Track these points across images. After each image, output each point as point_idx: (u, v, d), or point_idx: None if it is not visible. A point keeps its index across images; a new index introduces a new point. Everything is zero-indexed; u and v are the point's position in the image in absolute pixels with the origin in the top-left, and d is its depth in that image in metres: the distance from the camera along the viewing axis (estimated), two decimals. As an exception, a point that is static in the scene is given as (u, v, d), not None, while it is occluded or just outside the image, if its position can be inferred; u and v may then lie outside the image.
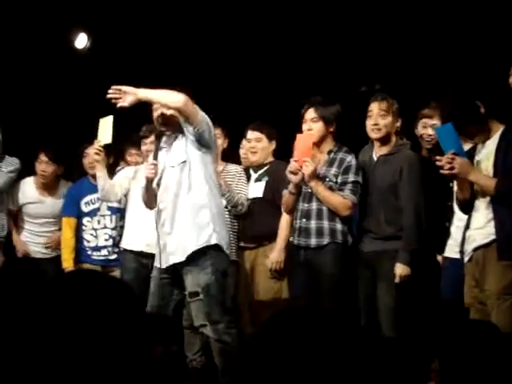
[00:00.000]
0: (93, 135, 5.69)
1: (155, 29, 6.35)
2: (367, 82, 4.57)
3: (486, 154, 3.76)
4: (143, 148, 5.22)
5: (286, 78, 6.19)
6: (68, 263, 5.27)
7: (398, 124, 4.50)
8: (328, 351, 1.34)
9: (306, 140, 4.39)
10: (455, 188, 3.99)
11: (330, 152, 4.54)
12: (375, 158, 4.51)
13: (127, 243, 5.18)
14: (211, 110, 5.77)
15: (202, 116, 4.16)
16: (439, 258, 4.49)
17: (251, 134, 5.07)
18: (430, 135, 4.64)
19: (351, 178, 4.43)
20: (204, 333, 4.26)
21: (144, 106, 5.07)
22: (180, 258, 4.17)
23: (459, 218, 4.21)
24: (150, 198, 4.33)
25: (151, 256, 4.74)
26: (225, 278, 4.25)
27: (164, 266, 4.24)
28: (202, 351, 4.94)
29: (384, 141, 4.48)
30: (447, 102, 3.84)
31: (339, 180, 4.44)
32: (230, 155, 5.29)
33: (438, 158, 3.72)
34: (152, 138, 5.09)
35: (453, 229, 4.32)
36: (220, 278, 4.19)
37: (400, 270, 4.26)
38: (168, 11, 6.22)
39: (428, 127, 4.67)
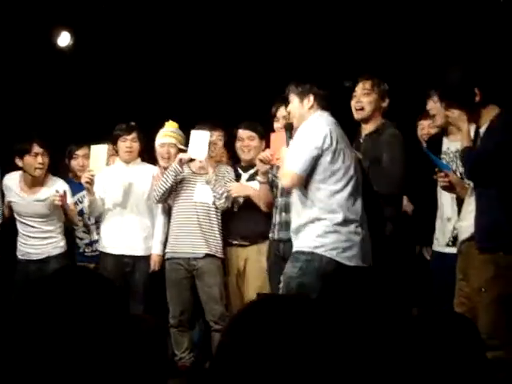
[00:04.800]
0: (76, 133, 5.71)
1: (138, 26, 6.32)
2: (351, 77, 4.53)
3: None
4: (125, 143, 5.18)
5: (268, 75, 6.16)
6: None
7: (385, 104, 4.41)
8: (299, 343, 1.34)
9: (280, 137, 4.30)
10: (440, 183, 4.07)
11: None
12: (361, 141, 4.44)
13: (107, 246, 5.14)
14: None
15: None
16: (424, 250, 4.49)
17: (243, 133, 5.05)
18: (428, 134, 4.68)
19: None
20: None
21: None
22: None
23: (443, 211, 4.23)
24: None
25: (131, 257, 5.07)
26: None
27: None
28: (190, 349, 4.97)
29: (368, 120, 4.39)
30: (451, 80, 3.81)
31: None
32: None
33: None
34: (134, 134, 5.10)
35: (437, 223, 4.32)
36: None
37: None
38: (150, 9, 6.19)
39: (425, 128, 4.74)
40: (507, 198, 3.63)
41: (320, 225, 3.90)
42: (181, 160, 4.93)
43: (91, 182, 4.89)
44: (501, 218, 3.63)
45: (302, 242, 3.96)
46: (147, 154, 5.33)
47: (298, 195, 4.02)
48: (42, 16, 6.03)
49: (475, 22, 5.33)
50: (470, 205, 3.82)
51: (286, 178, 4.03)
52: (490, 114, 3.72)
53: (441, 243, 4.32)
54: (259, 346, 1.34)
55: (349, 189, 3.94)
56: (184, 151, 5.09)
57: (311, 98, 4.08)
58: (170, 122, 5.29)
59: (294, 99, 4.13)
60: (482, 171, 3.67)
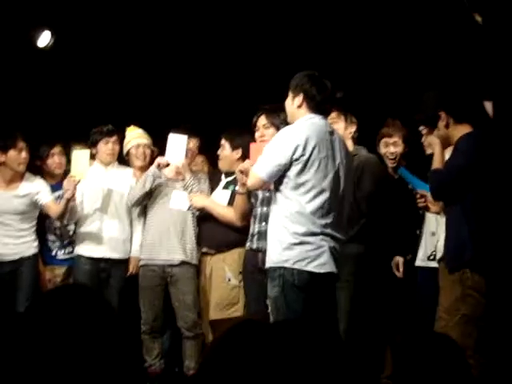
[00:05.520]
0: (54, 133, 5.66)
1: (117, 28, 6.30)
2: (342, 88, 4.63)
3: None
4: (108, 146, 5.17)
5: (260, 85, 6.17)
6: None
7: (352, 130, 4.76)
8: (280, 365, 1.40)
9: (260, 148, 4.24)
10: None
11: None
12: None
13: (85, 250, 5.10)
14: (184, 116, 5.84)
15: None
16: (400, 260, 4.58)
17: (221, 141, 5.07)
18: (392, 153, 4.85)
19: None
20: None
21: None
22: None
23: (428, 225, 4.32)
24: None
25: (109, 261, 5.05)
26: None
27: None
28: (161, 356, 4.96)
29: None
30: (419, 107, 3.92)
31: None
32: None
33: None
34: (116, 137, 5.11)
35: (423, 237, 4.42)
36: None
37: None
38: (130, 10, 6.18)
39: (390, 145, 4.89)
40: (471, 216, 3.72)
41: (285, 236, 3.82)
42: (159, 164, 4.93)
43: (75, 190, 4.85)
44: (465, 236, 3.72)
45: (270, 256, 3.91)
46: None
47: (272, 199, 4.00)
48: (22, 16, 5.99)
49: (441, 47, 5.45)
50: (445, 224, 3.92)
51: (250, 178, 4.00)
52: (461, 133, 3.80)
53: (422, 257, 4.41)
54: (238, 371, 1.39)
55: (317, 201, 3.82)
56: (155, 152, 5.20)
57: (301, 96, 3.94)
58: (132, 126, 5.36)
59: (289, 94, 4.02)
60: (444, 192, 3.81)
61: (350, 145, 4.66)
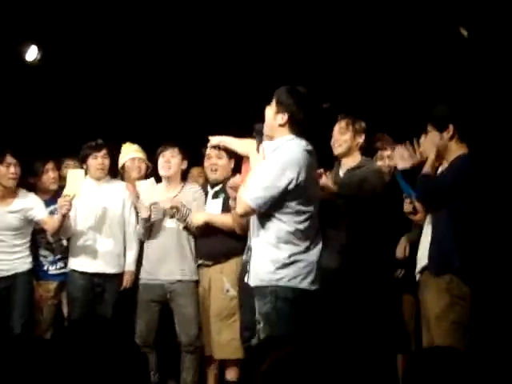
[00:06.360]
0: (42, 148, 5.67)
1: (106, 40, 6.33)
2: (329, 99, 4.66)
3: None
4: (97, 160, 5.18)
5: (241, 96, 6.22)
6: None
7: (361, 140, 4.63)
8: None
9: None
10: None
11: None
12: (341, 175, 4.62)
13: (78, 265, 5.12)
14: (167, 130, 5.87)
15: None
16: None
17: (212, 152, 5.02)
18: (388, 166, 4.88)
19: None
20: None
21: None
22: None
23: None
24: None
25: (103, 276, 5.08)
26: None
27: None
28: (155, 369, 4.99)
29: (347, 155, 4.61)
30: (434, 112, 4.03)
31: None
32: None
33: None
34: (104, 151, 5.13)
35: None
36: None
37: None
38: (120, 22, 6.20)
39: (385, 158, 4.93)
40: (457, 222, 3.82)
41: (278, 255, 3.81)
42: (144, 219, 5.04)
43: (69, 207, 4.86)
44: (451, 243, 3.80)
45: (259, 275, 3.88)
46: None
47: (258, 218, 3.92)
48: (10, 31, 6.00)
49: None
50: (427, 234, 3.97)
51: (240, 206, 3.92)
52: (458, 151, 3.92)
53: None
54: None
55: (308, 222, 3.84)
56: (149, 167, 5.35)
57: (286, 116, 3.85)
58: (128, 143, 5.46)
59: (272, 105, 3.91)
60: (431, 199, 3.92)
61: (357, 156, 4.62)
